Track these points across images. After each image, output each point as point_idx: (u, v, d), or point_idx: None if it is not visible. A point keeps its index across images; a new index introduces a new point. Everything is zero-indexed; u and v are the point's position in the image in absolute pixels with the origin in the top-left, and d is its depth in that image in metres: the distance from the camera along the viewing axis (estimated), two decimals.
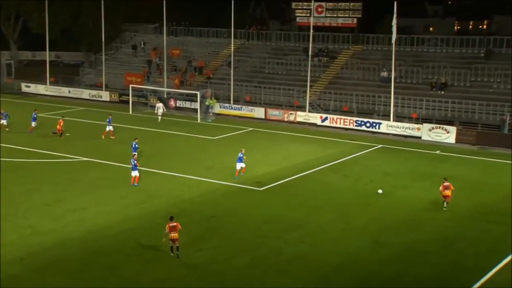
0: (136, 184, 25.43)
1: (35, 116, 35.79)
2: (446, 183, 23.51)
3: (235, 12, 43.76)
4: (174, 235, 18.53)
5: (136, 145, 28.98)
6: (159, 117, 40.41)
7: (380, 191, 25.24)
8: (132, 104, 44.88)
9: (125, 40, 59.19)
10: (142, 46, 56.68)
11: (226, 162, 29.81)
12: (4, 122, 35.06)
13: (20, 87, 53.48)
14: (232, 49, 46.26)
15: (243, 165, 26.99)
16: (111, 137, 34.32)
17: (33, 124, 35.33)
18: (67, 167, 28.23)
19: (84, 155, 30.29)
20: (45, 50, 52.68)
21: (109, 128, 34.50)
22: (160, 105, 41.44)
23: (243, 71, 49.54)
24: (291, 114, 42.08)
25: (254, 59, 50.89)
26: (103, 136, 34.40)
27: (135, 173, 25.41)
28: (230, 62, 46.79)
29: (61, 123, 34.65)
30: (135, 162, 25.65)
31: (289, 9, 51.97)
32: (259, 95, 45.93)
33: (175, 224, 18.63)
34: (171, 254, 18.64)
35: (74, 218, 21.56)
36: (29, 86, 53.17)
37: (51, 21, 53.04)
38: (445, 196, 23.44)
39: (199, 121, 41.72)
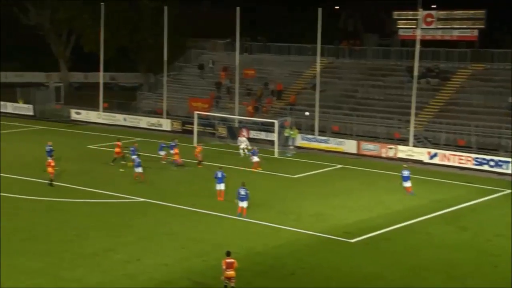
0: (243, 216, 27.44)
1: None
2: None
3: (322, 25, 44.16)
4: (231, 273, 18.94)
5: (223, 175, 30.13)
6: (242, 151, 41.39)
7: None
8: (197, 134, 46.10)
9: (191, 59, 61.30)
10: (211, 65, 58.44)
11: (308, 206, 29.81)
12: (49, 157, 35.95)
13: (70, 114, 56.54)
14: (318, 69, 46.57)
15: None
16: (179, 161, 37.41)
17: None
18: (120, 209, 29.19)
19: (140, 195, 31.29)
20: (98, 70, 55.68)
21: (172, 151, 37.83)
22: (244, 139, 42.41)
23: (331, 95, 49.65)
24: (390, 148, 41.49)
25: (344, 81, 50.94)
26: (163, 161, 37.35)
27: (242, 204, 27.52)
28: (315, 85, 47.10)
29: (120, 145, 37.76)
30: (243, 191, 27.46)
31: (390, 20, 51.50)
32: (350, 125, 45.83)
33: (232, 260, 19.32)
34: None
35: (127, 270, 22.07)
36: (79, 113, 56.15)
37: (107, 38, 56.11)
38: None
39: (276, 155, 42.03)
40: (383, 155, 41.55)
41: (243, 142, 42.09)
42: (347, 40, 56.63)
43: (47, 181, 32.82)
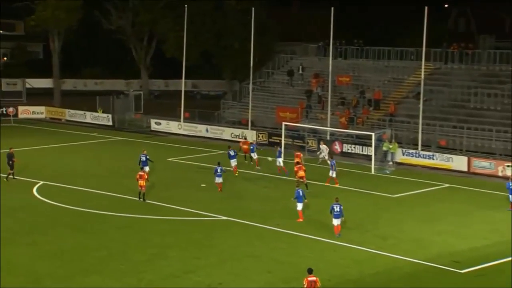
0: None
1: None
2: None
3: (428, 25, 43.30)
4: None
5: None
6: (321, 159, 41.93)
7: None
8: (284, 147, 46.09)
9: (279, 65, 61.71)
10: (301, 72, 58.56)
11: (409, 230, 29.24)
12: (146, 168, 36.40)
13: (149, 124, 58.13)
14: (423, 76, 45.66)
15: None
16: (257, 167, 40.33)
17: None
18: (201, 228, 29.50)
19: (222, 213, 31.57)
20: (179, 78, 56.96)
21: (254, 156, 40.98)
22: (324, 147, 42.72)
23: (437, 105, 48.67)
24: (508, 166, 39.99)
25: (454, 89, 49.74)
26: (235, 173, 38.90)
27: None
28: (418, 93, 46.21)
29: (248, 143, 43.02)
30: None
31: (510, 19, 49.77)
32: (459, 139, 44.79)
33: (314, 279, 19.81)
34: None
35: None
36: (159, 123, 57.60)
37: (189, 42, 57.35)
38: None
39: (373, 172, 41.50)
40: (499, 174, 40.16)
41: (323, 151, 42.13)
42: (458, 42, 55.18)
43: (139, 198, 33.13)
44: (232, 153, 39.43)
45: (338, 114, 50.32)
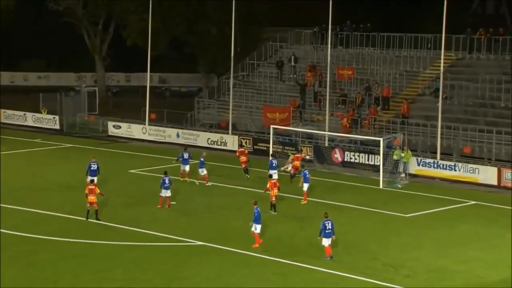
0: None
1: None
2: None
3: (449, 7, 43.57)
4: None
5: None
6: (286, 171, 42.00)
7: None
8: (272, 155, 45.97)
9: (266, 55, 61.79)
10: (293, 63, 58.65)
11: (427, 258, 29.32)
12: (92, 178, 36.30)
13: (107, 128, 57.93)
14: (442, 68, 45.95)
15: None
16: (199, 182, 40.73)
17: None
18: (169, 256, 29.30)
19: (198, 237, 31.48)
20: (144, 71, 56.95)
21: (201, 172, 40.44)
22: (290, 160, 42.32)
23: (460, 104, 48.97)
24: None
25: (480, 84, 49.99)
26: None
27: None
28: (437, 89, 46.47)
29: (246, 153, 43.25)
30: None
31: None
32: (488, 145, 45.15)
33: None
34: None
35: None
36: (119, 127, 57.52)
37: (156, 27, 57.30)
38: None
39: (381, 186, 41.67)
40: None
41: (289, 165, 41.85)
42: (485, 27, 55.49)
43: (87, 218, 33.19)
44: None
45: (338, 115, 50.48)
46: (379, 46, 56.91)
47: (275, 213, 34.74)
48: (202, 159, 40.69)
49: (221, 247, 30.33)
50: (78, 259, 28.74)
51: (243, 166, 42.53)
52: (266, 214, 33.46)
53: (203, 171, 40.58)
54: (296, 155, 42.40)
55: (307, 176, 37.31)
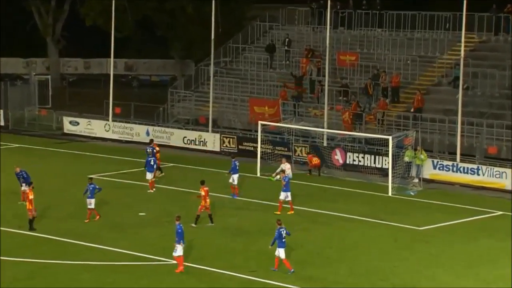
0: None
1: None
2: None
3: None
4: None
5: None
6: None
7: None
8: (260, 157, 46.19)
9: (254, 37, 61.95)
10: (285, 47, 58.77)
11: (446, 278, 29.52)
12: (24, 187, 37.19)
13: (62, 124, 57.92)
14: (462, 53, 46.16)
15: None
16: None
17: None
18: (139, 277, 29.33)
19: (169, 255, 31.61)
20: (107, 56, 56.85)
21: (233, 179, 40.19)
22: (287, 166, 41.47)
23: (484, 96, 49.26)
24: None
25: (508, 71, 50.20)
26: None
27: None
28: (457, 78, 46.73)
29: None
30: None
31: None
32: None
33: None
34: None
35: None
36: (76, 123, 57.51)
37: (122, 4, 57.26)
38: None
39: (390, 193, 41.91)
40: None
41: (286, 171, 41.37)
42: None
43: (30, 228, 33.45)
44: (151, 162, 41.02)
45: (339, 109, 50.64)
46: (388, 27, 57.19)
47: (212, 224, 34.95)
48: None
49: (200, 266, 30.20)
50: (27, 283, 28.61)
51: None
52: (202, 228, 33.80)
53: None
54: (309, 155, 46.00)
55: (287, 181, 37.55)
